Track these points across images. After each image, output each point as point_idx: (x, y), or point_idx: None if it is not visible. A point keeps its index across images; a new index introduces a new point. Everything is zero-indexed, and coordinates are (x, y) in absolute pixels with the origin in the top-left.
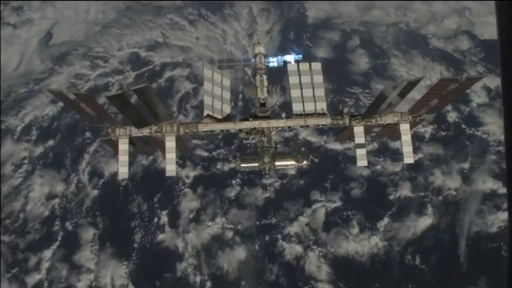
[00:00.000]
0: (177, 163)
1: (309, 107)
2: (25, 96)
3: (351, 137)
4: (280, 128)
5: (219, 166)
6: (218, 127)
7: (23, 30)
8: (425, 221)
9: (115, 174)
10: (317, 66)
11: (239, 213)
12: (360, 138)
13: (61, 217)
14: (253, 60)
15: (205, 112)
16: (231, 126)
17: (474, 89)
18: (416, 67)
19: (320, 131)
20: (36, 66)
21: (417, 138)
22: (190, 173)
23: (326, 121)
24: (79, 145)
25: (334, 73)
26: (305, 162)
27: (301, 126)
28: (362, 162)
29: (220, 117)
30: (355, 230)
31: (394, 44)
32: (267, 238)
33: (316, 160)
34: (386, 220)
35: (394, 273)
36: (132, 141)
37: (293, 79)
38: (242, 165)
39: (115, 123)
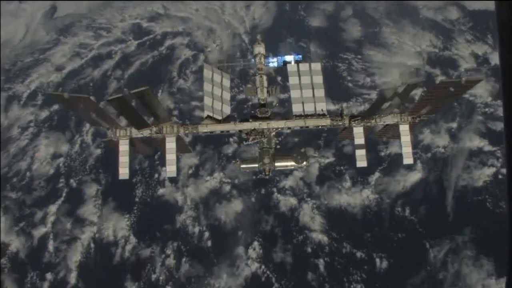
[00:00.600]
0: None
1: (309, 107)
2: (31, 64)
3: (350, 136)
4: (280, 129)
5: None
6: (218, 128)
7: (29, 4)
8: (414, 176)
9: None
10: (316, 66)
11: (236, 168)
12: (359, 139)
13: (65, 175)
14: (253, 60)
15: (205, 113)
16: (231, 127)
17: (462, 55)
18: (407, 35)
19: None
20: (41, 37)
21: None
22: None
23: (326, 122)
24: None
25: (328, 41)
26: (304, 163)
27: (301, 127)
28: (361, 162)
29: (220, 118)
30: (347, 183)
31: (386, 14)
32: (263, 191)
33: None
34: (377, 174)
35: (384, 224)
36: (132, 142)
37: (293, 80)
38: (242, 166)
39: (116, 124)
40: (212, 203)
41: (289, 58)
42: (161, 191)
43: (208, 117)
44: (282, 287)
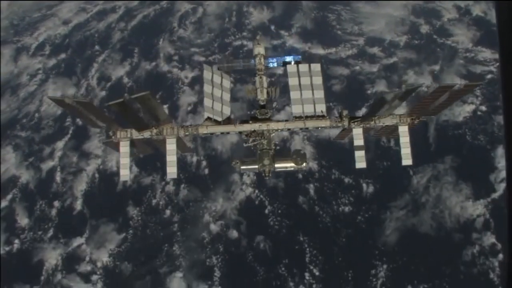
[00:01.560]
0: (177, 67)
1: (309, 109)
2: (39, 19)
3: (350, 137)
4: (279, 131)
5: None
6: (218, 129)
7: None
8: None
9: (121, 78)
10: (316, 67)
11: (232, 104)
12: (359, 140)
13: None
14: (252, 61)
15: (205, 115)
16: (231, 129)
17: (446, 6)
18: None
19: (305, 38)
20: None
21: (392, 45)
22: (189, 74)
23: (326, 123)
24: (88, 57)
25: None
26: (304, 164)
27: (301, 128)
28: (361, 164)
29: (220, 119)
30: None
31: None
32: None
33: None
34: (363, 109)
35: (370, 151)
36: (133, 142)
37: (292, 81)
38: (242, 167)
39: (116, 126)
40: (209, 135)
41: (289, 58)
42: None
43: (208, 118)
44: (275, 210)
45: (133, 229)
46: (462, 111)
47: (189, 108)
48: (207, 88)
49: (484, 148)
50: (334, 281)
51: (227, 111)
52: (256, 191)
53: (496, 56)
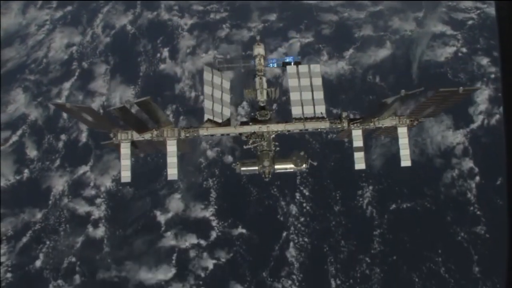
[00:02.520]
0: (177, 16)
1: (308, 110)
2: None
3: (349, 136)
4: (279, 132)
5: (212, 16)
6: (219, 131)
7: None
8: (384, 52)
9: (124, 26)
10: (316, 68)
11: (228, 47)
12: (358, 142)
13: (78, 59)
14: (252, 61)
15: (206, 117)
16: (231, 131)
17: None
18: None
19: None
20: None
21: None
22: (188, 21)
23: (325, 124)
24: (93, 8)
25: None
26: (304, 166)
27: (300, 130)
28: (360, 165)
29: (220, 121)
30: (325, 57)
31: None
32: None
33: (315, 164)
34: (351, 51)
35: (357, 88)
36: (134, 142)
37: (292, 82)
38: (242, 168)
39: (117, 128)
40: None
41: (289, 59)
42: (162, 66)
43: (209, 120)
44: None
45: (134, 157)
46: (444, 52)
47: (188, 51)
48: (207, 89)
49: (464, 85)
50: (323, 200)
51: (227, 112)
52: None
53: (478, 4)
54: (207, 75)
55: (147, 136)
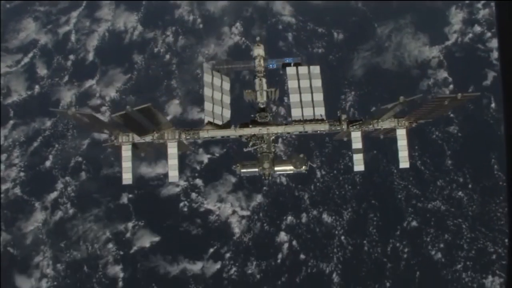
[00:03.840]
0: None
1: (308, 112)
2: None
3: (348, 136)
4: (279, 134)
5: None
6: (219, 133)
7: None
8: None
9: None
10: (315, 69)
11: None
12: (357, 143)
13: None
14: (252, 62)
15: (206, 119)
16: (231, 133)
17: None
18: None
19: None
20: None
21: None
22: None
23: (325, 126)
24: None
25: None
26: (303, 167)
27: (300, 132)
28: (359, 167)
29: (220, 123)
30: None
31: None
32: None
33: (315, 165)
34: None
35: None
36: (135, 144)
37: (292, 83)
38: (243, 170)
39: (118, 131)
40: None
41: (288, 60)
42: None
43: (209, 123)
44: None
45: (137, 71)
46: None
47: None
48: (207, 91)
49: (440, 9)
50: None
51: (227, 114)
52: (243, 38)
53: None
54: (207, 77)
55: (148, 138)
